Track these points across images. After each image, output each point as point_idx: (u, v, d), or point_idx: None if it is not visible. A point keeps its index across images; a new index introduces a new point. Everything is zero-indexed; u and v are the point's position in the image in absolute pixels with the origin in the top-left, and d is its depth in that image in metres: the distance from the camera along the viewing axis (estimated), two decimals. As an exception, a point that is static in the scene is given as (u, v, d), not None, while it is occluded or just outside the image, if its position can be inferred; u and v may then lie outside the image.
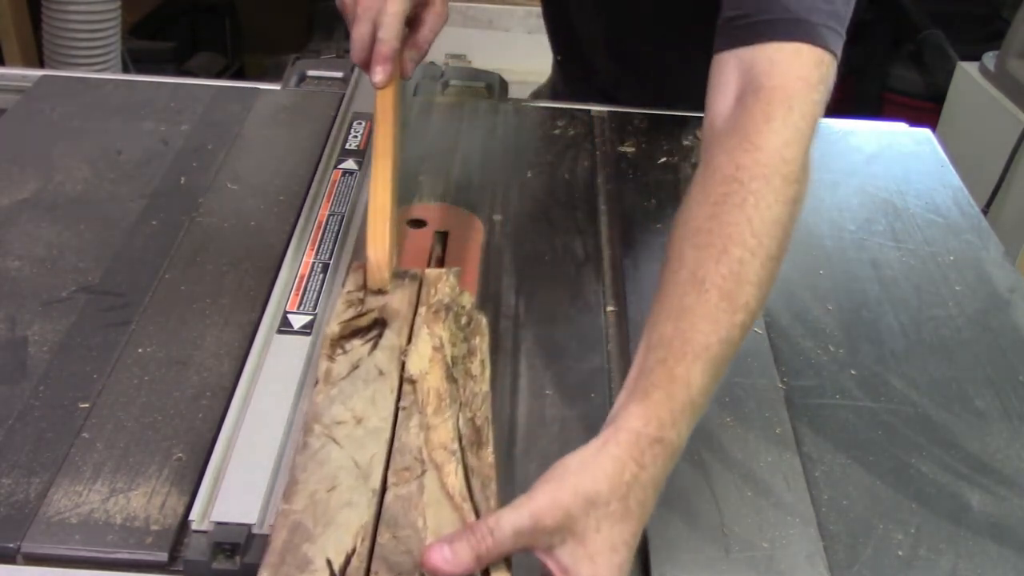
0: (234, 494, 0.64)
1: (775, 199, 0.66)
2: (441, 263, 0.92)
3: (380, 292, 0.78)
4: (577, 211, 1.02)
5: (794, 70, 0.71)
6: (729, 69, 0.74)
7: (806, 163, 0.69)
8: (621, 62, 1.25)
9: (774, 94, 0.70)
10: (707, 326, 0.62)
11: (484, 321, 0.79)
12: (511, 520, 0.55)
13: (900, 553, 0.68)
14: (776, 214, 0.67)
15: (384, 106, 0.86)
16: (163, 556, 0.64)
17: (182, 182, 1.01)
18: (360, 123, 1.03)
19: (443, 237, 0.97)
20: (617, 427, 0.59)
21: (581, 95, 1.27)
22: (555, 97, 1.39)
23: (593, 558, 0.55)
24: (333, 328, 0.74)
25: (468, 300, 0.79)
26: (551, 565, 0.56)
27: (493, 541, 0.55)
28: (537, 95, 1.46)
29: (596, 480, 0.56)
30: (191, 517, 0.64)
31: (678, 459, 0.61)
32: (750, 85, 0.71)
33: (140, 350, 0.80)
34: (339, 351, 0.73)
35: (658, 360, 0.62)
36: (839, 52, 0.74)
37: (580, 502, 0.55)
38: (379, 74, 0.83)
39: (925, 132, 1.21)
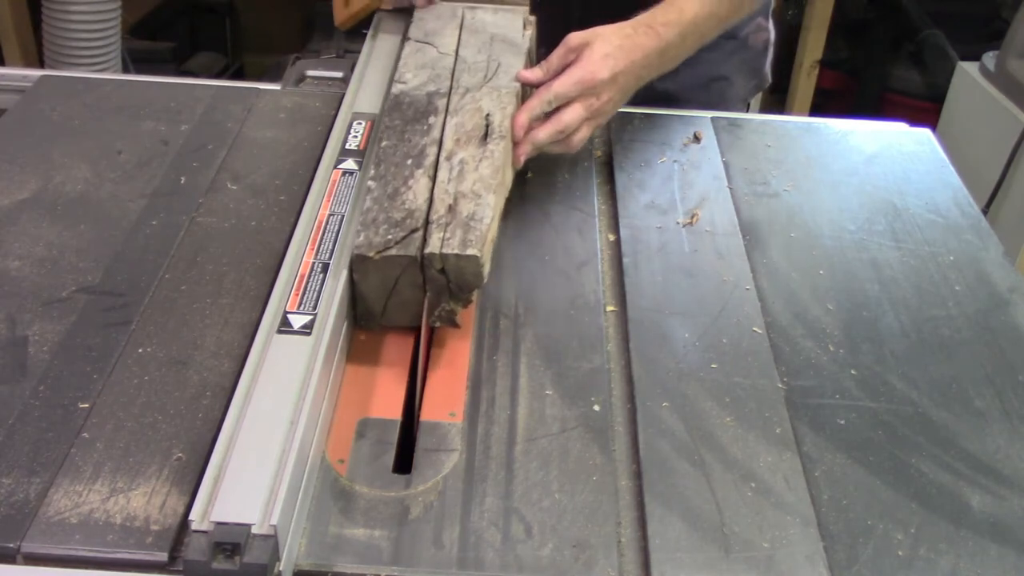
0: (234, 494, 0.64)
1: None
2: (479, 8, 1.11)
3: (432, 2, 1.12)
4: (577, 211, 1.02)
5: None
6: None
7: None
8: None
9: None
10: None
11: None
12: (557, 48, 0.98)
13: (900, 553, 0.68)
14: None
15: None
16: (163, 556, 0.64)
17: (182, 182, 1.01)
18: (360, 123, 1.03)
19: (443, 237, 0.97)
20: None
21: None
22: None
23: (592, 47, 0.96)
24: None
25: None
26: (572, 59, 0.97)
27: (548, 60, 0.98)
28: None
29: (603, 28, 0.97)
30: (191, 517, 0.63)
31: (670, 57, 1.02)
32: None
33: (140, 350, 0.80)
34: None
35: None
36: None
37: (591, 33, 0.97)
38: None
39: (925, 132, 1.21)
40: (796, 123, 1.22)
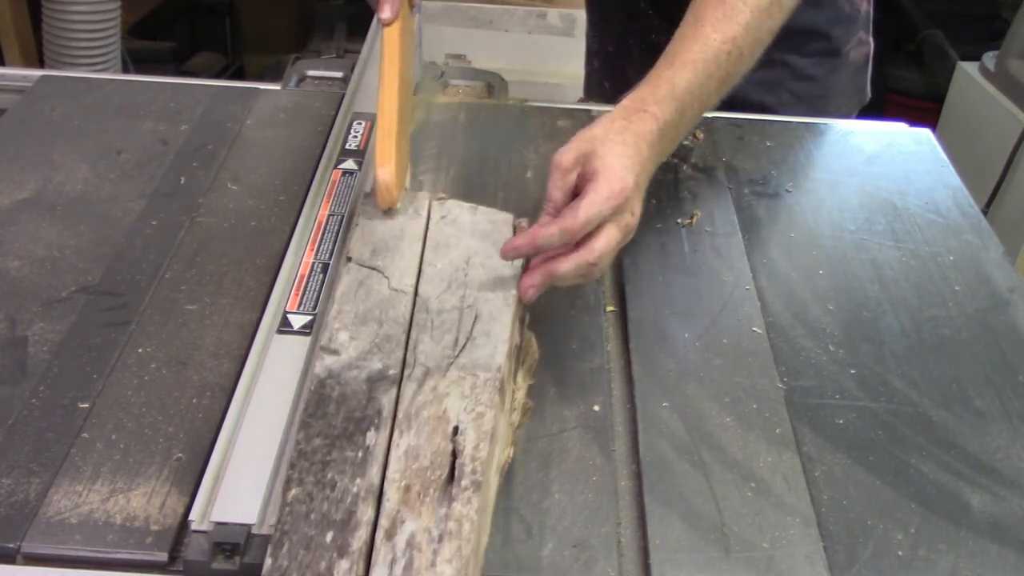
0: (234, 494, 0.64)
1: None
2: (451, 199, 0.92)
3: (390, 211, 0.82)
4: (577, 211, 1.02)
5: None
6: None
7: None
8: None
9: None
10: (696, 46, 0.84)
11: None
12: (551, 182, 0.77)
13: (900, 553, 0.68)
14: None
15: (391, 39, 0.89)
16: (163, 556, 0.64)
17: (182, 182, 1.01)
18: (360, 123, 1.03)
19: (443, 237, 0.96)
20: (613, 108, 0.82)
21: (619, 52, 1.32)
22: (591, 61, 1.42)
23: (604, 158, 0.76)
24: None
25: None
26: (582, 180, 0.77)
27: (551, 202, 0.77)
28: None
29: (592, 129, 0.79)
30: (191, 517, 0.64)
31: (671, 137, 0.83)
32: None
33: (140, 350, 0.80)
34: None
35: (652, 70, 0.85)
36: None
37: (584, 140, 0.78)
38: (386, 11, 0.89)
39: (925, 132, 1.21)
40: (796, 123, 1.22)
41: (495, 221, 0.82)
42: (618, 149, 0.77)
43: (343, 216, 0.89)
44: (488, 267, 0.77)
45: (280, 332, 0.78)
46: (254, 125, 1.12)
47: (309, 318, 0.79)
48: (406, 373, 0.68)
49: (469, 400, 0.66)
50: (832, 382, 0.82)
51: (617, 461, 0.74)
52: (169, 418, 0.74)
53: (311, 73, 1.26)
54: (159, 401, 0.75)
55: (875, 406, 0.80)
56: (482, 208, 0.84)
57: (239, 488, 0.65)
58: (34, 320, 0.82)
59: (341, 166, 0.96)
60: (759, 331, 0.87)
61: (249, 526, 0.63)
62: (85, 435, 0.72)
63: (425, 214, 0.83)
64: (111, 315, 0.83)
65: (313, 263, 0.84)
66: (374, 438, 0.63)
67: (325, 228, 0.88)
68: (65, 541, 0.64)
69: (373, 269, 0.77)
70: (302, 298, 0.80)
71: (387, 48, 0.88)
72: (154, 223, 0.95)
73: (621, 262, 0.94)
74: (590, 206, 0.74)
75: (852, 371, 0.84)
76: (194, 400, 0.75)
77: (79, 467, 0.69)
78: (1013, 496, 0.74)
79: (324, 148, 1.02)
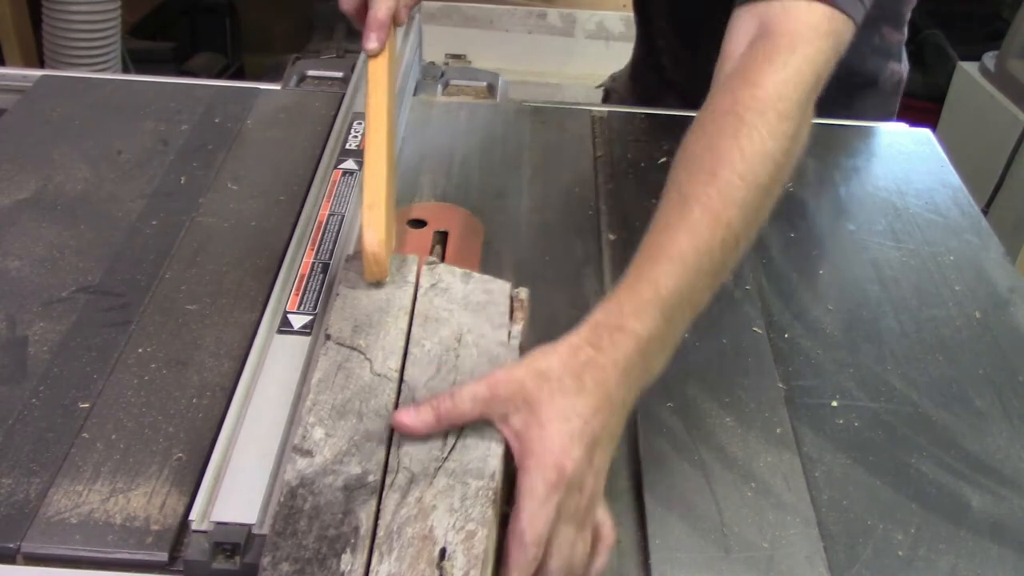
0: (234, 494, 0.64)
1: (768, 132, 0.69)
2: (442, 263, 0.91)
3: (378, 283, 0.72)
4: (577, 211, 1.02)
5: (804, 18, 0.73)
6: (745, 19, 0.76)
7: (804, 104, 0.72)
8: (685, 42, 1.25)
9: (781, 39, 0.73)
10: (684, 237, 0.66)
11: None
12: (470, 388, 0.60)
13: (900, 553, 0.68)
14: (768, 147, 0.69)
15: (377, 72, 0.80)
16: (163, 556, 0.64)
17: (182, 182, 1.01)
18: (360, 123, 1.03)
19: (443, 237, 0.97)
20: (582, 322, 0.64)
21: (654, 89, 1.30)
22: (633, 79, 1.40)
23: (543, 425, 0.58)
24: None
25: None
26: (506, 432, 0.60)
27: (452, 403, 0.60)
28: (614, 79, 1.46)
29: (549, 359, 0.61)
30: (191, 517, 0.64)
31: (657, 352, 0.64)
32: (761, 31, 0.74)
33: (140, 350, 0.80)
34: None
35: (632, 266, 0.67)
36: (858, 18, 0.76)
37: (532, 375, 0.60)
38: (373, 41, 0.81)
39: (925, 132, 1.21)
40: (796, 123, 1.22)
41: (491, 291, 0.73)
42: (566, 402, 0.59)
43: (343, 216, 0.89)
44: (482, 347, 0.68)
45: (280, 332, 0.78)
46: (254, 125, 1.12)
47: (309, 318, 0.79)
48: (388, 480, 0.59)
49: (459, 515, 0.57)
50: (832, 382, 0.82)
51: (617, 461, 0.74)
52: (169, 418, 0.74)
53: (311, 73, 1.26)
54: (159, 401, 0.75)
55: (875, 406, 0.80)
56: (476, 275, 0.74)
57: (239, 488, 0.65)
58: (34, 320, 0.82)
59: (341, 166, 0.96)
60: (759, 331, 0.87)
61: (249, 526, 0.63)
62: (85, 435, 0.72)
63: (413, 280, 0.73)
64: (111, 315, 0.83)
65: (313, 263, 0.84)
66: (350, 563, 0.54)
67: (325, 228, 0.87)
68: (65, 541, 0.64)
69: (354, 349, 0.67)
70: (302, 298, 0.80)
71: (373, 85, 0.79)
72: (154, 223, 0.95)
73: (622, 262, 0.94)
74: (533, 527, 0.56)
75: (852, 371, 0.84)
76: (194, 400, 0.75)
77: (79, 467, 0.69)
78: (1013, 496, 0.74)
79: (324, 148, 1.02)
